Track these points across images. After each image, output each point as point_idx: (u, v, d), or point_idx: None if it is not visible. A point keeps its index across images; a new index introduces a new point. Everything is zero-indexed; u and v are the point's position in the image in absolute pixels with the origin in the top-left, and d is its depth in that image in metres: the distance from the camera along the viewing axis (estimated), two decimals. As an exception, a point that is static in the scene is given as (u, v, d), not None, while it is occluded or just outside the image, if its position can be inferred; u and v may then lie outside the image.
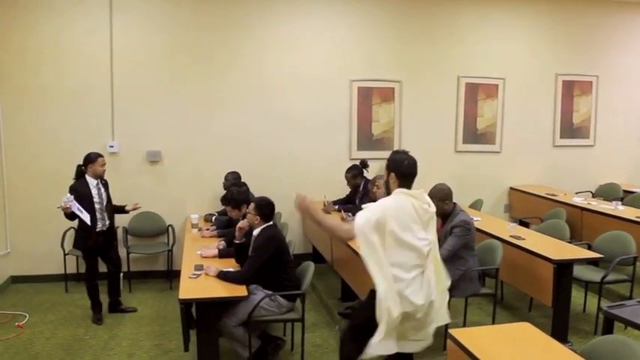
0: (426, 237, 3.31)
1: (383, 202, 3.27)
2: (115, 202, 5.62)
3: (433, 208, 3.39)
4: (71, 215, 5.13)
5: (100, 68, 6.50)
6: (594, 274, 5.15)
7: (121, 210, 5.71)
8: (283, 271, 4.30)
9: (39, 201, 6.43)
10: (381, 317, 3.18)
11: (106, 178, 5.46)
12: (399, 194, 3.31)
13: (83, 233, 5.31)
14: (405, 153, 3.47)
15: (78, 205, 5.07)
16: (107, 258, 5.56)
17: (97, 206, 5.27)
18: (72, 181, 5.27)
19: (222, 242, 5.08)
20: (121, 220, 6.17)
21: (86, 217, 5.14)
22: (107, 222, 5.41)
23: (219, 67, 6.80)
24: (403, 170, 3.38)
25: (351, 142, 7.31)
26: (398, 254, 3.22)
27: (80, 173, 5.28)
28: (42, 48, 6.37)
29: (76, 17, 6.41)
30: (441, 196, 4.73)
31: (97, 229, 5.29)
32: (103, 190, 5.37)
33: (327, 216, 3.69)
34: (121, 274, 6.23)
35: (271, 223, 4.39)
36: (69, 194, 5.07)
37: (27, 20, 6.31)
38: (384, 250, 3.19)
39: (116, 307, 5.63)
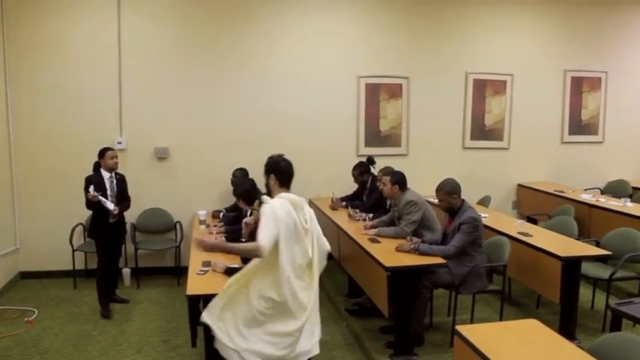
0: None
1: (276, 216, 3.26)
2: None
3: (309, 223, 3.42)
4: (93, 205, 5.34)
5: (108, 65, 6.53)
6: (602, 271, 5.13)
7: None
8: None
9: (48, 197, 6.49)
10: None
11: (122, 173, 5.66)
12: (284, 199, 3.37)
13: (97, 220, 5.48)
14: (280, 156, 3.56)
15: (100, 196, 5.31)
16: (112, 250, 5.66)
17: (109, 198, 5.43)
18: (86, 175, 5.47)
19: (222, 238, 5.06)
20: (129, 217, 6.19)
21: (110, 205, 5.36)
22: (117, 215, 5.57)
23: (226, 64, 6.81)
24: (282, 170, 3.48)
25: (359, 139, 7.30)
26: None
27: (97, 166, 5.50)
28: (50, 45, 6.40)
29: (84, 14, 6.44)
30: (449, 189, 4.72)
31: (109, 221, 5.47)
32: (115, 183, 5.52)
33: (234, 244, 3.74)
34: (129, 270, 6.31)
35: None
36: (90, 187, 5.27)
37: (35, 17, 6.34)
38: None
39: (110, 296, 5.73)
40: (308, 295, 3.37)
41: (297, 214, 3.34)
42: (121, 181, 5.62)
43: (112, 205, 5.37)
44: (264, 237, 3.17)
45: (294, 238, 3.30)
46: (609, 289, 5.00)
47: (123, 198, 5.63)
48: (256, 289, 3.33)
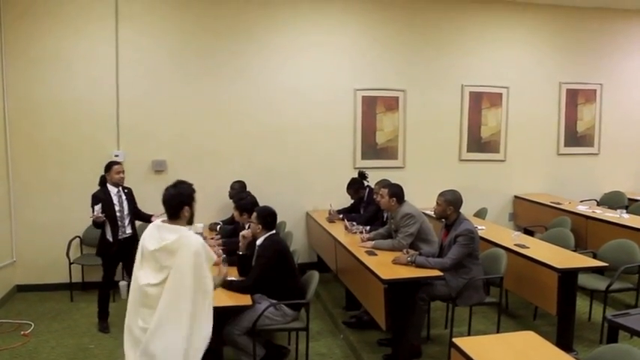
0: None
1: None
2: None
3: (159, 245, 3.12)
4: (99, 224, 5.24)
5: (106, 78, 6.55)
6: (599, 283, 5.14)
7: (147, 219, 5.55)
8: (288, 280, 4.30)
9: (44, 210, 6.47)
10: None
11: (129, 186, 5.54)
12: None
13: (105, 242, 5.36)
14: (176, 183, 3.27)
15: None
16: (127, 266, 5.52)
17: (117, 214, 5.32)
18: (88, 190, 5.35)
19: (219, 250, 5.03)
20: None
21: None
22: (128, 230, 5.44)
23: (223, 77, 6.84)
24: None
25: (356, 151, 7.33)
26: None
27: (103, 182, 5.38)
28: (48, 58, 6.41)
29: (81, 28, 6.46)
30: (450, 198, 4.73)
31: (118, 237, 5.33)
32: (124, 198, 5.42)
33: None
34: (126, 283, 6.26)
35: (274, 232, 4.41)
36: (96, 206, 5.14)
37: (32, 31, 6.36)
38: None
39: None
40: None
41: (155, 236, 3.17)
42: (130, 194, 5.51)
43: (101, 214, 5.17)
44: None
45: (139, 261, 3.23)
46: (606, 300, 5.02)
47: (133, 212, 5.51)
48: None
